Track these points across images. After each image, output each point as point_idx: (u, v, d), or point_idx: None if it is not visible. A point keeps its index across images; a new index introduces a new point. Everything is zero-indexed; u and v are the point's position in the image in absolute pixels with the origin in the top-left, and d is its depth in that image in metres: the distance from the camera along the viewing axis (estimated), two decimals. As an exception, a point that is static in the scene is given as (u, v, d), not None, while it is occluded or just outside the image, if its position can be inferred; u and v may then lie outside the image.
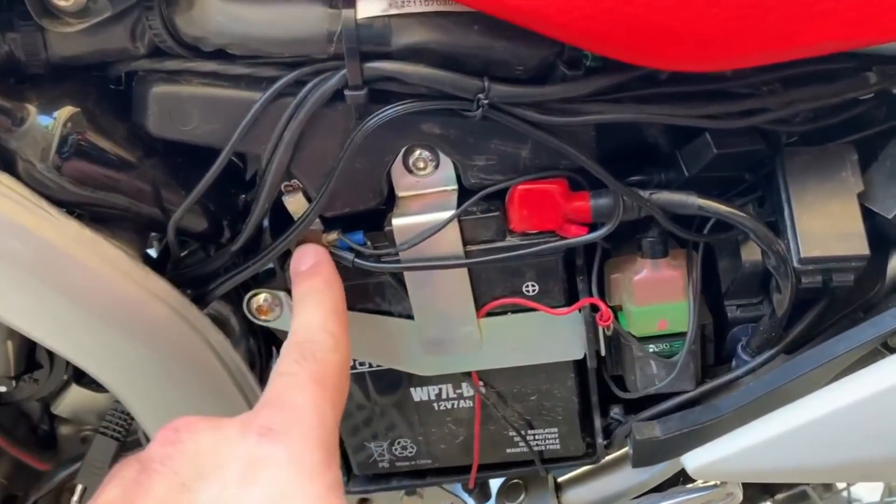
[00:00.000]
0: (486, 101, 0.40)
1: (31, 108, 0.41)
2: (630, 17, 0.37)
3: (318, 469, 0.34)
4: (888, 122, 0.47)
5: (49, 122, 0.42)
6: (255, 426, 0.35)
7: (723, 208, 0.43)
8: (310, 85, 0.41)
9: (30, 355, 0.56)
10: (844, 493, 1.23)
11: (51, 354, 0.56)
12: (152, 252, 0.54)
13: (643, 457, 0.52)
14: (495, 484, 0.64)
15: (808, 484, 0.90)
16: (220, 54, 0.42)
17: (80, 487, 0.55)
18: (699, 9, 0.37)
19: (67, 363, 0.56)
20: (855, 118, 0.47)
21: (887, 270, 0.49)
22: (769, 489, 0.87)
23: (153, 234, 0.52)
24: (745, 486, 0.87)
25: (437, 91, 0.41)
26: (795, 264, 0.44)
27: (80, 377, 0.58)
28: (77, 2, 0.38)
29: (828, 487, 1.21)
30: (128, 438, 0.56)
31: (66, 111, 0.42)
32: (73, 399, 0.61)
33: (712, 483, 0.55)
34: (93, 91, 0.43)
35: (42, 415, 0.65)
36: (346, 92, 0.41)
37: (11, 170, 0.42)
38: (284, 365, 0.39)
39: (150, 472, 0.34)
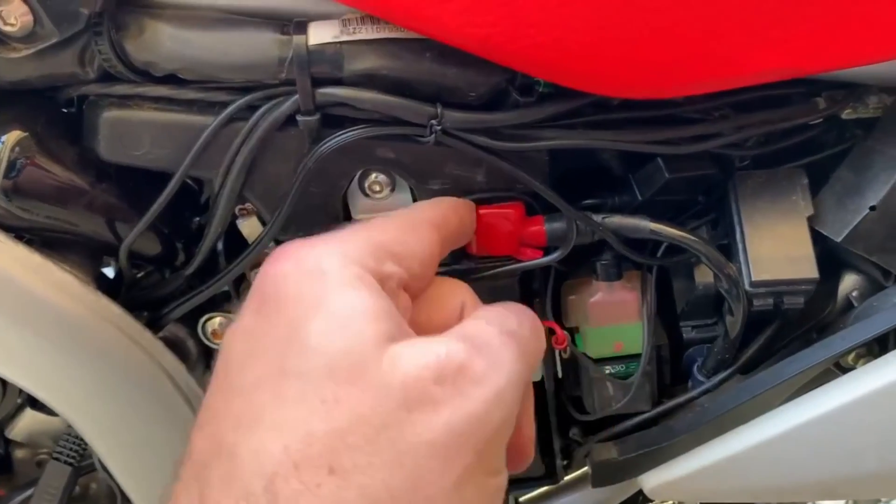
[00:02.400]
0: (438, 128, 0.40)
1: (-22, 133, 0.41)
2: (579, 46, 0.37)
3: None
4: (838, 146, 0.48)
5: (-4, 147, 0.41)
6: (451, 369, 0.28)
7: (675, 232, 0.44)
8: (262, 110, 0.41)
9: (-18, 381, 0.55)
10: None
11: (3, 381, 0.55)
12: (109, 272, 0.54)
13: (602, 477, 0.52)
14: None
15: None
16: (171, 79, 0.41)
17: (33, 515, 0.55)
18: (649, 38, 0.37)
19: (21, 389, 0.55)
20: (805, 142, 0.47)
21: (838, 292, 0.50)
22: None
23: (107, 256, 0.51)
24: None
25: (389, 117, 0.41)
26: (747, 287, 0.45)
27: (35, 401, 0.57)
28: (23, 27, 0.38)
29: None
30: (82, 463, 0.56)
31: (14, 135, 0.41)
32: (28, 423, 0.60)
33: (670, 503, 0.55)
34: (42, 115, 0.43)
35: (-5, 439, 0.63)
36: (299, 117, 0.40)
37: (-43, 195, 0.41)
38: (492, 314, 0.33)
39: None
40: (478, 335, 0.31)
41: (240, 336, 0.31)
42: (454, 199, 0.43)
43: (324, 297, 0.29)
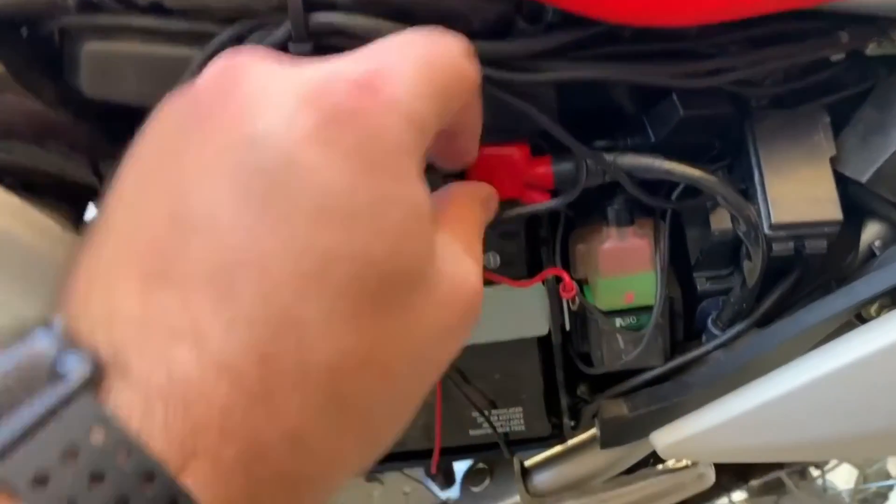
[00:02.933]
0: (439, 57, 0.38)
1: (-48, 67, 0.38)
2: (590, -36, 0.34)
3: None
4: (861, 84, 0.45)
5: (-28, 82, 0.39)
6: (347, 77, 0.26)
7: (690, 171, 0.41)
8: (252, 38, 0.38)
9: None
10: (819, 481, 1.22)
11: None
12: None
13: (611, 437, 0.50)
14: (460, 469, 0.62)
15: (782, 469, 0.88)
16: (156, 8, 0.39)
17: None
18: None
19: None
20: (827, 80, 0.45)
21: (860, 241, 0.47)
22: (744, 475, 0.85)
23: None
24: (720, 472, 0.85)
25: (387, 46, 0.38)
26: (766, 231, 0.42)
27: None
28: (-3, -52, 0.36)
29: (803, 475, 1.20)
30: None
31: (-9, 70, 0.39)
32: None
33: (683, 464, 0.53)
34: (21, 49, 0.41)
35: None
36: (291, 45, 0.38)
37: (-69, 132, 0.39)
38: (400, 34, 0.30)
39: (209, 114, 0.26)
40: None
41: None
42: None
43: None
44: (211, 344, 0.22)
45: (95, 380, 0.22)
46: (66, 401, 0.21)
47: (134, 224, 0.25)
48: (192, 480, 0.21)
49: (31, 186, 0.43)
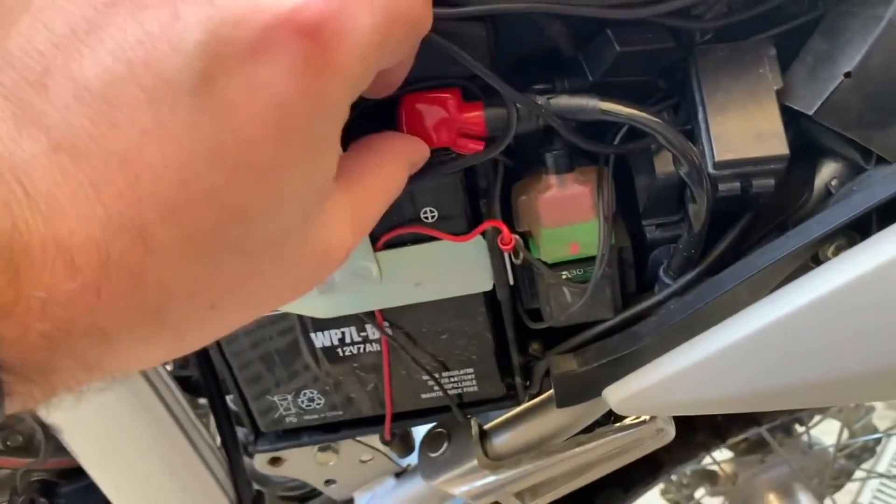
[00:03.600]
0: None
1: None
2: None
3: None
4: (809, 14, 0.43)
5: None
6: (302, 17, 0.24)
7: (627, 110, 0.39)
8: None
9: None
10: (804, 438, 1.21)
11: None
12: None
13: (565, 394, 0.48)
14: (419, 435, 0.61)
15: (760, 426, 0.87)
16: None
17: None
18: None
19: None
20: (773, 11, 0.42)
21: (815, 181, 0.45)
22: (720, 433, 0.84)
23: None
24: (695, 430, 0.84)
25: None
26: (710, 170, 0.40)
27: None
28: None
29: (787, 432, 1.19)
30: None
31: None
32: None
33: (640, 419, 0.52)
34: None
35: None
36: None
37: None
38: None
39: None
40: None
41: None
42: None
43: None
44: (61, 224, 0.22)
45: None
46: None
47: (27, 46, 0.23)
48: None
49: None
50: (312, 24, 0.24)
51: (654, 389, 0.45)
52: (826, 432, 1.27)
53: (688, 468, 1.26)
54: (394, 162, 0.36)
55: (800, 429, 1.19)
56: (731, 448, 1.20)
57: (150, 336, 0.25)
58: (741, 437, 0.88)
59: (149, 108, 0.23)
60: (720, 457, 1.22)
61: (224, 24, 0.23)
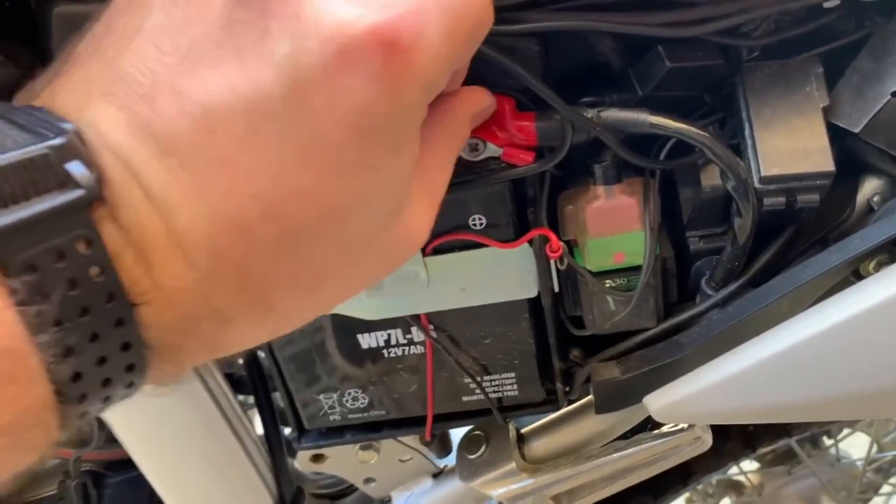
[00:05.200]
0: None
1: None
2: None
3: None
4: (856, 33, 0.44)
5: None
6: (380, 30, 0.26)
7: (676, 125, 0.40)
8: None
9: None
10: (832, 451, 1.21)
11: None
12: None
13: (605, 401, 0.49)
14: (456, 437, 0.62)
15: (790, 437, 0.87)
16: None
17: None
18: None
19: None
20: (820, 30, 0.43)
21: (857, 196, 0.46)
22: (750, 443, 0.84)
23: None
24: (725, 439, 0.84)
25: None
26: (756, 184, 0.41)
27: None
28: None
29: (815, 444, 1.19)
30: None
31: (-39, 35, 0.38)
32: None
33: (679, 427, 0.52)
34: (-8, 14, 0.40)
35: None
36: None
37: None
38: None
39: (244, 5, 0.26)
40: None
41: None
42: None
43: None
44: (181, 220, 0.25)
45: (97, 194, 0.23)
46: (68, 207, 0.23)
47: (140, 63, 0.26)
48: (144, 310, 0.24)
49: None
50: (389, 33, 0.26)
51: (695, 398, 0.46)
52: (853, 445, 1.26)
53: (714, 478, 1.26)
54: (455, 120, 0.37)
55: (828, 441, 1.18)
56: (757, 459, 1.19)
57: (258, 319, 0.28)
58: (771, 447, 0.88)
59: (244, 116, 0.25)
60: (746, 467, 1.22)
61: (308, 37, 0.25)
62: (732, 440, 0.83)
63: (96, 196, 0.23)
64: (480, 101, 0.39)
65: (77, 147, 0.24)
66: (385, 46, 0.26)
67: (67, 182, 0.23)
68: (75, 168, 0.23)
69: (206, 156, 0.25)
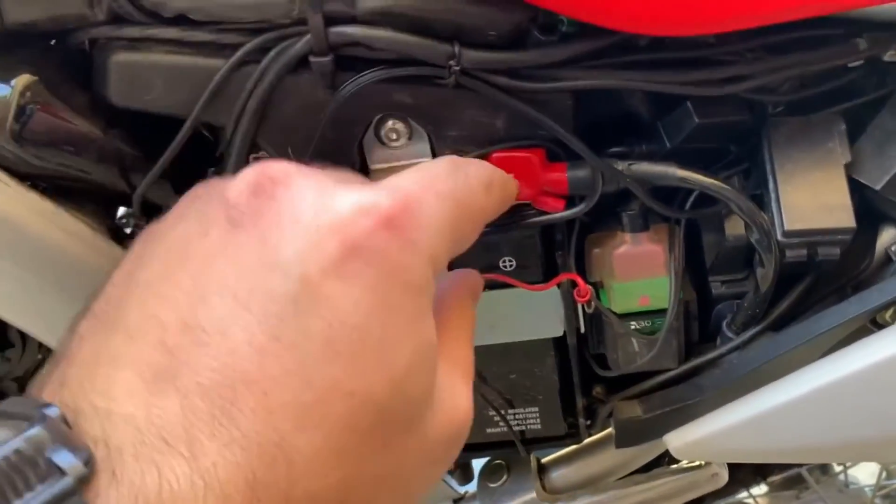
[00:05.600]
0: (457, 68, 0.39)
1: (-13, 77, 0.40)
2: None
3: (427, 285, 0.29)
4: (879, 90, 0.45)
5: (6, 92, 0.40)
6: (375, 213, 0.27)
7: (705, 180, 0.42)
8: (273, 52, 0.39)
9: (2, 334, 0.55)
10: (841, 477, 1.22)
11: (23, 333, 0.55)
12: (128, 230, 0.53)
13: (626, 437, 0.51)
14: (477, 466, 0.63)
15: (802, 465, 0.88)
16: (181, 20, 0.40)
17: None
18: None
19: (40, 342, 0.55)
20: (843, 87, 0.45)
21: (876, 246, 0.48)
22: (761, 471, 0.86)
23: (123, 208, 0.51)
24: (737, 468, 0.86)
25: (406, 57, 0.39)
26: (779, 237, 0.43)
27: (55, 356, 0.57)
28: (30, -35, 0.37)
29: (824, 470, 1.20)
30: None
31: (24, 80, 0.40)
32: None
33: (697, 463, 0.54)
34: (53, 59, 0.42)
35: (19, 395, 0.63)
36: (311, 59, 0.39)
37: (-32, 141, 0.40)
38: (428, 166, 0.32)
39: (236, 226, 0.27)
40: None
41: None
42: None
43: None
44: (204, 460, 0.23)
45: (87, 478, 0.22)
46: (59, 500, 0.21)
47: (146, 318, 0.26)
48: None
49: (63, 191, 0.44)
50: (386, 217, 0.27)
51: (715, 438, 0.47)
52: (862, 471, 1.27)
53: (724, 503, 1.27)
54: (461, 299, 0.38)
55: (837, 468, 1.19)
56: (766, 483, 1.20)
57: None
58: (782, 475, 0.90)
59: (260, 326, 0.25)
60: (755, 491, 1.23)
61: (308, 236, 0.26)
62: (744, 469, 0.84)
63: (85, 480, 0.22)
64: (474, 280, 0.41)
65: (61, 432, 0.22)
66: (383, 228, 0.27)
67: (52, 473, 0.22)
68: (60, 457, 0.22)
69: (229, 379, 0.24)
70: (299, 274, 0.25)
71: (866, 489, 1.22)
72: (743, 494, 1.22)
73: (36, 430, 0.22)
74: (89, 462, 0.22)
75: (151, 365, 0.24)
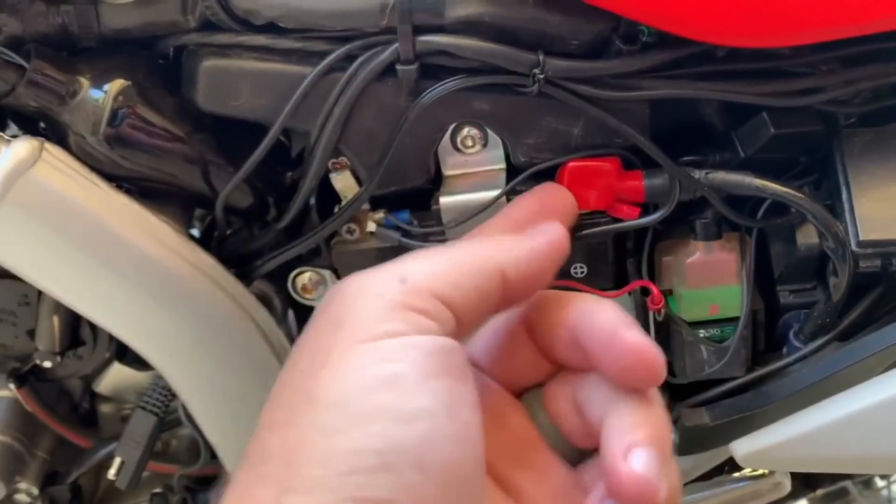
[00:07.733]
0: (542, 76, 0.39)
1: (84, 81, 0.41)
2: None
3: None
4: (952, 103, 0.46)
5: (100, 96, 0.41)
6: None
7: (781, 189, 0.42)
8: (361, 59, 0.40)
9: (74, 332, 0.56)
10: (885, 492, 1.21)
11: (94, 331, 0.56)
12: (195, 233, 0.54)
13: (690, 444, 0.51)
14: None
15: (850, 478, 0.88)
16: (271, 28, 0.41)
17: (118, 461, 0.56)
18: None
19: (110, 340, 0.56)
20: (917, 98, 0.45)
21: (949, 258, 0.48)
22: (811, 483, 0.85)
23: (196, 214, 0.52)
24: (792, 477, 0.85)
25: (489, 66, 0.40)
26: (854, 247, 0.43)
27: (122, 355, 0.58)
28: (129, -26, 0.38)
29: (868, 485, 1.19)
30: (167, 416, 0.57)
31: (118, 84, 0.42)
32: (115, 377, 0.61)
33: (759, 472, 0.54)
34: (143, 64, 0.43)
35: (83, 393, 0.65)
36: (398, 66, 0.40)
37: (63, 143, 0.42)
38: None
39: None
40: None
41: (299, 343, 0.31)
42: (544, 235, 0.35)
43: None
44: None
45: None
46: None
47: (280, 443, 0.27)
48: None
49: (147, 192, 0.45)
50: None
51: (782, 447, 0.47)
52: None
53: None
54: None
55: (880, 482, 1.18)
56: (807, 498, 1.20)
57: None
58: (832, 488, 0.89)
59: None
60: (796, 504, 1.22)
61: None
62: (795, 480, 0.84)
63: None
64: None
65: None
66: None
67: None
68: None
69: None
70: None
71: (910, 505, 1.21)
72: (785, 508, 1.22)
73: None
74: None
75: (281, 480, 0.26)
